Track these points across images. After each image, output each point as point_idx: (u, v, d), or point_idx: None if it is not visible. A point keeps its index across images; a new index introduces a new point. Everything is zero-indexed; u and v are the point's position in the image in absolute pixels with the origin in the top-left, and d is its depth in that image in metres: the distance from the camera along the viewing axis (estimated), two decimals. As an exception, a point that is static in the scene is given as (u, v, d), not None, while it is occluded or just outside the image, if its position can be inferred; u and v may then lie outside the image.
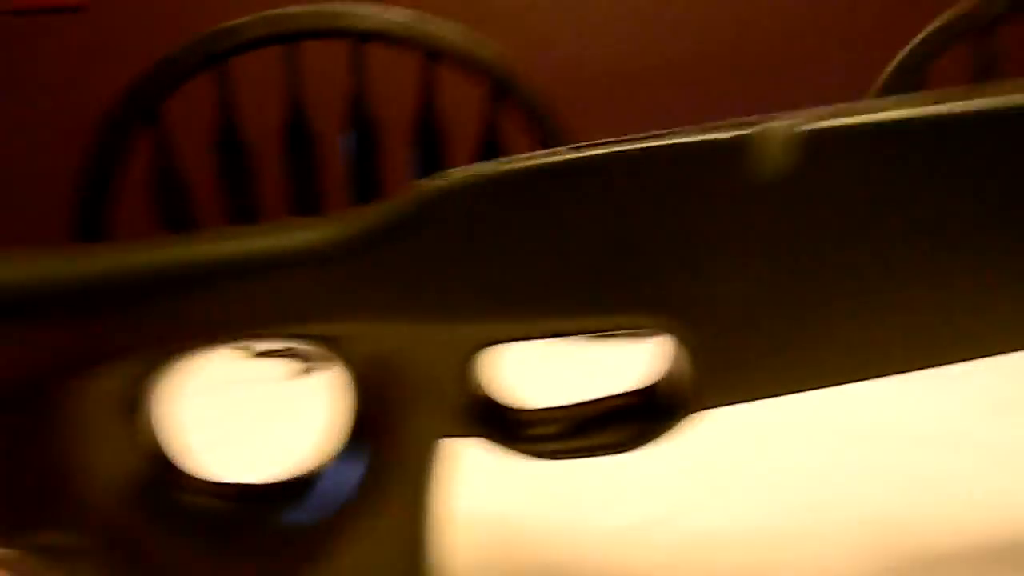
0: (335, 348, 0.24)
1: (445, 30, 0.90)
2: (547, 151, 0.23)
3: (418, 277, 0.22)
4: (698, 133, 0.23)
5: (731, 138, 0.22)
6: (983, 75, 0.87)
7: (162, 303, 0.23)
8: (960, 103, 0.22)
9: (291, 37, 0.90)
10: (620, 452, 0.25)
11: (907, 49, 0.83)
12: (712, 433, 0.38)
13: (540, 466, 0.36)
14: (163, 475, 0.26)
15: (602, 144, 0.23)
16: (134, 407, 0.25)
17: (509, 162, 0.23)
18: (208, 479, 0.26)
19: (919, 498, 0.32)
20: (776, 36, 1.60)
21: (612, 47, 1.61)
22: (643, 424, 0.24)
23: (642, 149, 0.22)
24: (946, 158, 0.22)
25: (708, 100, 1.61)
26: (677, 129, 0.24)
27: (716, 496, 0.33)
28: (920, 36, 0.82)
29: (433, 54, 0.90)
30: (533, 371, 0.43)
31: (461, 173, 0.23)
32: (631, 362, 0.43)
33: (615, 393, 0.25)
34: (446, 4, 1.58)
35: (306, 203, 0.92)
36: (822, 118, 0.22)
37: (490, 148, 0.93)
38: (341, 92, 0.93)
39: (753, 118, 0.23)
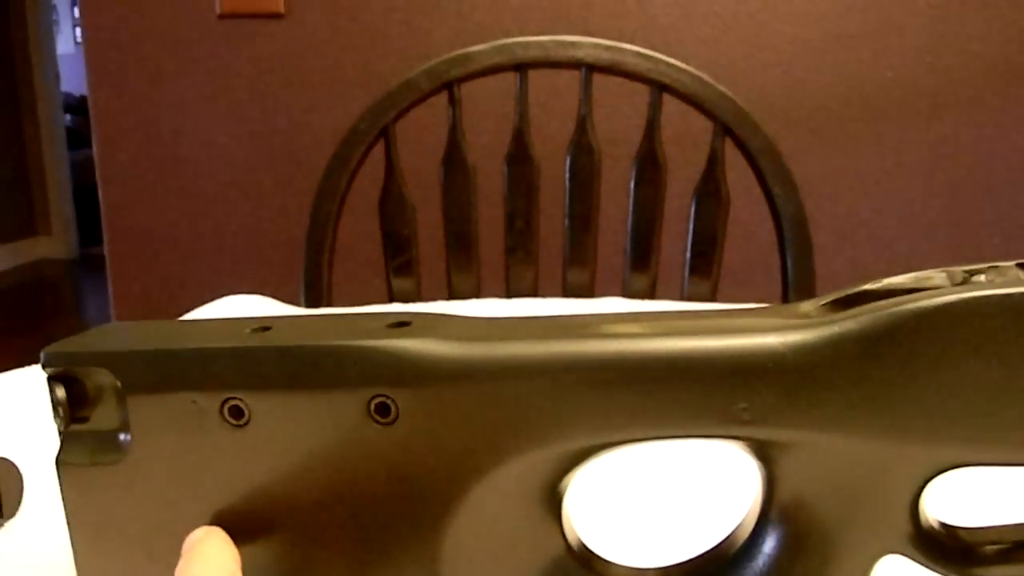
0: (764, 453, 0.24)
1: (674, 68, 0.90)
2: (993, 266, 0.23)
3: (875, 393, 0.23)
4: None
5: None
6: None
7: (597, 396, 0.23)
8: None
9: (522, 66, 0.92)
10: None
11: None
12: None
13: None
14: (587, 566, 0.26)
15: None
16: (556, 498, 0.25)
17: (951, 279, 0.23)
18: (627, 566, 0.27)
19: None
20: (976, 71, 1.54)
21: (806, 79, 1.57)
22: None
23: None
24: None
25: (900, 136, 1.56)
26: None
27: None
28: None
29: (661, 87, 0.91)
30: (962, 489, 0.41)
31: (927, 291, 0.23)
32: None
33: None
34: (633, 29, 1.57)
35: (521, 229, 0.94)
36: None
37: (711, 183, 0.93)
38: (566, 120, 0.94)
39: None
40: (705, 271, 0.93)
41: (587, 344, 0.24)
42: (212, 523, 0.26)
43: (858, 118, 1.56)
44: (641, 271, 0.94)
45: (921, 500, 0.24)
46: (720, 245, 0.93)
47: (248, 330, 0.26)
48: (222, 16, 1.71)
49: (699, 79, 0.90)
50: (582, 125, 0.93)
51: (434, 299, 0.90)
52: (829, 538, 0.25)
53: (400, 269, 0.94)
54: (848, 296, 0.24)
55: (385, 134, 0.92)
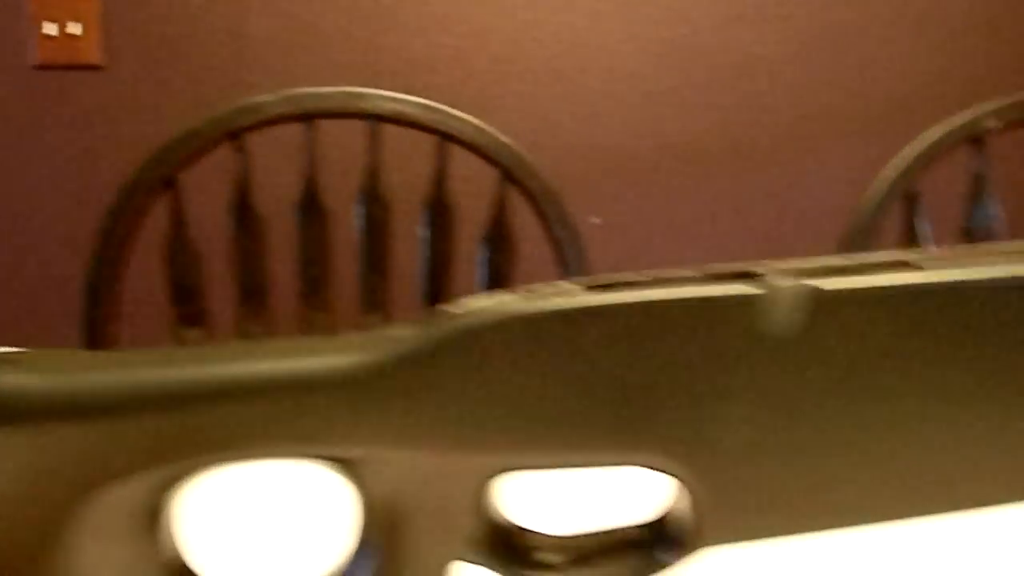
0: (349, 471, 0.24)
1: (457, 119, 0.93)
2: (563, 289, 0.25)
3: (439, 407, 0.23)
4: (709, 284, 0.24)
5: (744, 295, 0.24)
6: (976, 184, 0.90)
7: (186, 416, 0.23)
8: (961, 272, 0.24)
9: (310, 116, 0.93)
10: None
11: (897, 160, 0.86)
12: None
13: None
14: None
15: (616, 286, 0.25)
16: (155, 519, 0.26)
17: (525, 299, 0.24)
18: None
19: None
20: (781, 122, 1.65)
21: (618, 130, 1.65)
22: (649, 557, 0.25)
23: (656, 301, 0.24)
24: (946, 322, 0.24)
25: (705, 186, 1.65)
26: (688, 274, 0.25)
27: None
28: (908, 149, 0.85)
29: (446, 137, 0.94)
30: (546, 496, 0.44)
31: (484, 308, 0.24)
32: (645, 490, 0.44)
33: (623, 526, 0.26)
34: (457, 89, 1.62)
35: (316, 276, 0.95)
36: (829, 275, 0.24)
37: (498, 229, 0.96)
38: (354, 169, 0.95)
39: (760, 266, 0.25)
40: (495, 313, 0.95)
41: (153, 372, 0.24)
42: None
43: (669, 168, 1.65)
44: (434, 315, 0.96)
45: (488, 503, 0.26)
46: (509, 288, 0.96)
47: None
48: (38, 67, 1.66)
49: (480, 129, 0.93)
50: (371, 174, 0.95)
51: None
52: (405, 548, 0.26)
53: (189, 319, 0.93)
54: (431, 319, 0.26)
55: (171, 183, 0.92)
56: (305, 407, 0.24)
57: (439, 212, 0.96)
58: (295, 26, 1.64)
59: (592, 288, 0.25)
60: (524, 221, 0.97)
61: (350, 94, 0.94)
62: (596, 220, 1.60)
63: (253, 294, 0.94)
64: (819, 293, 0.24)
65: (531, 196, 0.94)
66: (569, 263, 0.94)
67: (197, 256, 0.93)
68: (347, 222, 0.97)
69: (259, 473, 0.48)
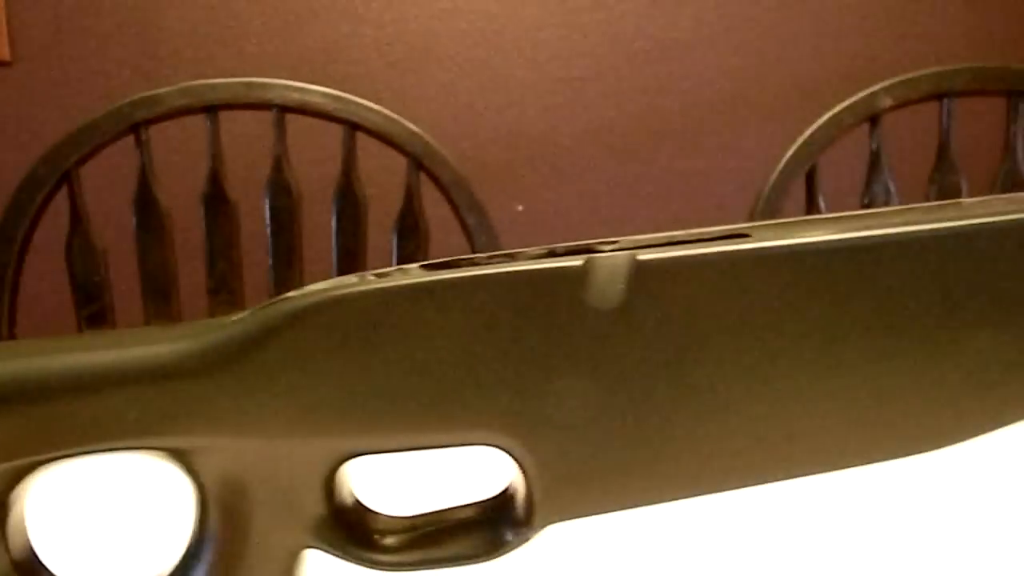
0: (184, 462, 0.24)
1: (364, 108, 0.92)
2: (399, 269, 0.25)
3: (270, 393, 0.23)
4: (538, 260, 0.24)
5: (566, 267, 0.24)
6: (873, 163, 0.92)
7: (21, 412, 0.23)
8: (779, 241, 0.24)
9: (211, 108, 0.91)
10: (471, 563, 0.25)
11: (802, 139, 0.88)
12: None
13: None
14: None
15: (450, 266, 0.25)
16: (3, 512, 0.25)
17: (361, 281, 0.24)
18: None
19: None
20: (696, 105, 1.67)
21: (538, 117, 1.65)
22: (493, 535, 0.25)
23: (481, 276, 0.24)
24: (771, 288, 0.24)
25: (624, 170, 1.67)
26: (524, 251, 0.25)
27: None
28: (810, 129, 0.87)
29: (353, 127, 0.93)
30: (390, 478, 0.44)
31: (313, 292, 0.24)
32: (489, 469, 0.44)
33: (466, 504, 0.26)
34: (376, 80, 1.61)
35: (223, 270, 0.93)
36: (653, 248, 0.24)
37: (409, 218, 0.96)
38: (262, 161, 0.94)
39: (592, 242, 0.25)
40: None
41: None
42: None
43: (588, 153, 1.66)
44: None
45: (331, 487, 0.25)
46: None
47: None
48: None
49: (389, 117, 0.93)
50: (278, 165, 0.94)
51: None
52: (252, 536, 0.25)
53: (93, 318, 0.91)
54: (267, 304, 0.25)
55: (68, 178, 0.89)
56: (137, 398, 0.23)
57: (349, 202, 0.95)
58: (209, 19, 1.61)
59: (430, 268, 0.25)
60: (435, 209, 0.97)
61: (251, 84, 0.92)
62: (519, 208, 1.61)
63: (159, 290, 0.92)
64: (639, 264, 0.24)
65: (441, 184, 0.94)
66: (480, 250, 0.94)
67: (100, 252, 0.91)
68: (255, 214, 0.95)
69: (97, 467, 0.49)
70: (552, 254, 0.25)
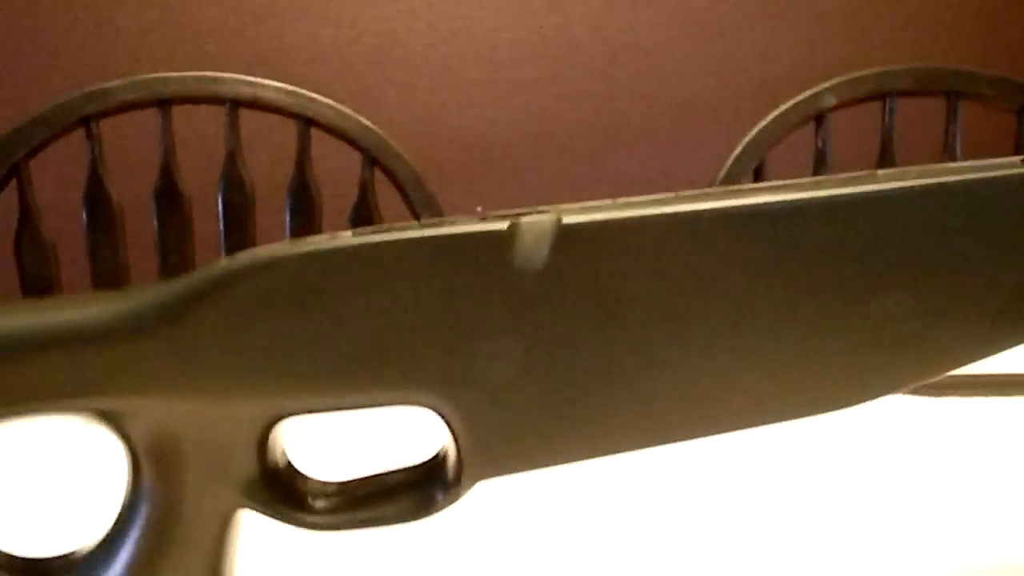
0: (116, 424, 0.24)
1: (317, 103, 0.93)
2: (331, 235, 0.25)
3: (202, 355, 0.23)
4: (464, 224, 0.25)
5: (490, 231, 0.24)
6: (819, 160, 0.94)
7: None
8: (696, 206, 0.25)
9: (164, 102, 0.91)
10: (401, 522, 0.26)
11: (749, 137, 0.90)
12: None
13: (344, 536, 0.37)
14: None
15: (379, 230, 0.25)
16: None
17: (292, 245, 0.25)
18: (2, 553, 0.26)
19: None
20: (650, 106, 1.69)
21: (496, 118, 1.66)
22: (424, 497, 0.26)
23: (409, 239, 0.24)
24: (686, 251, 0.25)
25: (579, 169, 1.68)
26: (453, 218, 0.26)
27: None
28: (758, 127, 0.89)
29: (307, 122, 0.93)
30: (323, 440, 0.44)
31: (244, 256, 0.24)
32: (421, 429, 0.45)
33: (398, 469, 0.27)
34: (334, 79, 1.61)
35: (175, 264, 0.93)
36: (573, 214, 0.25)
37: (363, 213, 0.96)
38: (216, 156, 0.94)
39: (520, 210, 0.26)
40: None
41: None
42: None
43: (546, 154, 1.67)
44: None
45: (264, 448, 0.26)
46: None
47: None
48: None
49: (342, 113, 0.93)
50: (231, 159, 0.93)
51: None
52: (186, 497, 0.25)
53: (42, 312, 0.90)
54: (199, 269, 0.25)
55: (17, 172, 0.88)
56: (68, 360, 0.24)
57: (304, 198, 0.95)
58: (167, 17, 1.60)
59: (361, 234, 0.25)
60: (390, 206, 0.97)
61: (203, 78, 0.92)
62: (478, 209, 1.61)
63: (110, 285, 0.91)
64: (563, 227, 0.24)
65: (396, 180, 0.94)
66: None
67: (49, 246, 0.90)
68: (208, 209, 0.95)
69: (29, 430, 0.48)
70: (471, 223, 0.25)
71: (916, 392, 0.50)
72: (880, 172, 0.28)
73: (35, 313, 0.24)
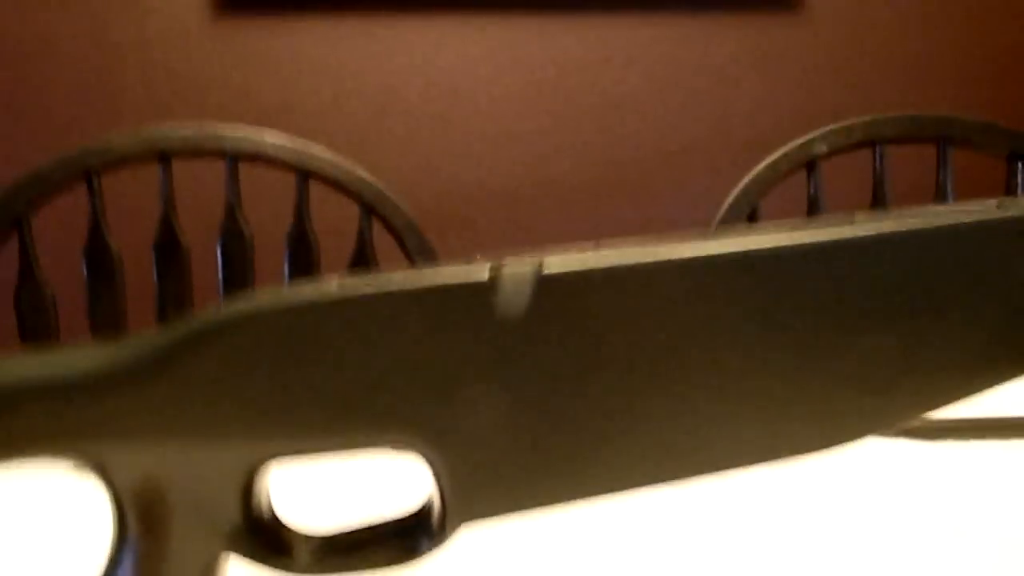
0: (100, 471, 0.25)
1: (315, 157, 0.94)
2: (316, 285, 0.26)
3: (185, 405, 0.24)
4: (446, 274, 0.25)
5: (473, 279, 0.25)
6: (811, 207, 0.95)
7: None
8: (677, 254, 0.25)
9: (164, 156, 0.92)
10: (387, 567, 0.26)
11: (741, 184, 0.91)
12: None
13: None
14: None
15: (365, 279, 0.26)
16: None
17: (277, 296, 0.25)
18: None
19: None
20: (644, 156, 1.71)
21: (493, 169, 1.68)
22: (411, 544, 0.26)
23: (391, 291, 0.25)
24: (668, 297, 0.25)
25: (577, 219, 1.70)
26: (437, 265, 0.26)
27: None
28: (750, 175, 0.90)
29: (306, 174, 0.94)
30: (309, 488, 0.44)
31: (229, 307, 0.25)
32: (406, 477, 0.45)
33: (382, 520, 0.27)
34: (335, 132, 1.63)
35: (174, 316, 0.93)
36: (555, 262, 0.25)
37: (361, 263, 0.97)
38: (215, 208, 0.95)
39: (503, 259, 0.26)
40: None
41: None
42: None
43: (543, 204, 1.69)
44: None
45: (249, 494, 0.26)
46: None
47: None
48: None
49: (340, 165, 0.94)
50: (231, 212, 0.95)
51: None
52: (171, 543, 0.25)
53: (41, 365, 0.90)
54: (183, 320, 0.26)
55: (19, 226, 0.89)
56: (51, 409, 0.24)
57: (303, 248, 0.96)
58: (169, 74, 1.62)
59: (348, 282, 0.25)
60: (388, 255, 0.98)
61: (204, 132, 0.93)
62: (477, 257, 1.62)
63: (109, 338, 0.92)
64: (544, 275, 0.25)
65: (393, 229, 0.95)
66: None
67: (50, 299, 0.91)
68: (207, 261, 0.96)
69: (14, 479, 0.48)
70: (465, 267, 0.26)
71: (911, 436, 0.50)
72: (859, 215, 0.28)
73: (20, 362, 0.24)
